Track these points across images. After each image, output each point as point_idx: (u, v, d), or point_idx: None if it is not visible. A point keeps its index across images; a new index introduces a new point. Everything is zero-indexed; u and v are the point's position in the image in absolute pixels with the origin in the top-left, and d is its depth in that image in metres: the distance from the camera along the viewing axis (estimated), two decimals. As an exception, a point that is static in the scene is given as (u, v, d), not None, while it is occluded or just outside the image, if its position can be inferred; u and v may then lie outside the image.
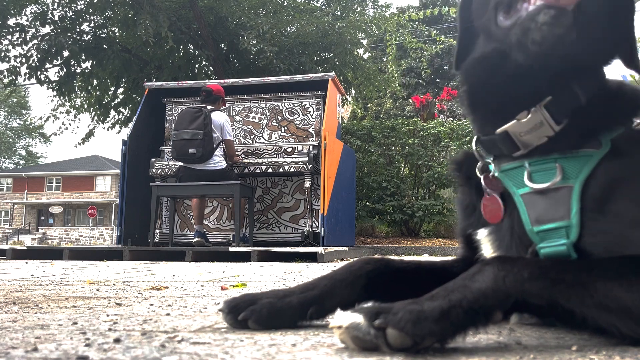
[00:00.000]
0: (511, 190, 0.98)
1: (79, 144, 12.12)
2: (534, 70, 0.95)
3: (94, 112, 12.09)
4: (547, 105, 0.96)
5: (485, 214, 1.03)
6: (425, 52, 11.90)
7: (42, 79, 10.93)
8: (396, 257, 1.15)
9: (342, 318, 0.80)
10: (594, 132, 0.95)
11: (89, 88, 11.61)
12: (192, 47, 11.34)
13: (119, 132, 12.25)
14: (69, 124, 12.29)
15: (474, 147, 1.09)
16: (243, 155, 6.12)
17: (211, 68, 11.04)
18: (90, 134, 12.03)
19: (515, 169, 0.99)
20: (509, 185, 0.99)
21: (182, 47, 11.25)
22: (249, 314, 0.99)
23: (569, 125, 0.96)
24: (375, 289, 1.03)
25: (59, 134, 12.20)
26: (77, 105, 12.29)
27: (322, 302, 1.01)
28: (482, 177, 1.04)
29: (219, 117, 5.62)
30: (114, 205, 39.02)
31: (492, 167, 1.04)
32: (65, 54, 10.57)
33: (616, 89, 1.00)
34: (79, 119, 12.50)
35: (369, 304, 0.95)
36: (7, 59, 10.49)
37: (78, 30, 10.66)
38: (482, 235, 1.04)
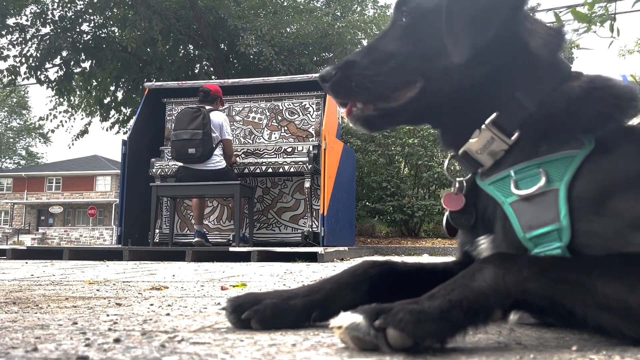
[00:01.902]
0: (500, 200, 0.99)
1: (75, 138, 12.10)
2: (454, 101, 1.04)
3: (90, 111, 12.10)
4: (495, 119, 1.00)
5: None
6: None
7: (42, 79, 10.93)
8: (398, 259, 1.15)
9: (342, 318, 0.80)
10: (565, 132, 0.96)
11: (89, 88, 11.61)
12: (192, 47, 11.34)
13: (118, 132, 12.26)
14: (66, 121, 12.29)
15: (445, 164, 1.15)
16: (243, 155, 6.12)
17: (211, 68, 11.05)
18: (85, 131, 12.02)
19: (502, 180, 1.00)
20: (498, 196, 0.99)
21: (182, 47, 11.24)
22: (252, 313, 0.99)
23: (524, 134, 0.99)
24: (379, 292, 1.03)
25: (55, 130, 12.21)
26: (75, 105, 12.29)
27: (325, 306, 1.01)
28: (442, 197, 1.09)
29: (217, 116, 5.62)
30: (114, 205, 39.01)
31: (466, 183, 1.08)
32: (65, 53, 10.57)
33: (587, 86, 1.00)
34: (74, 119, 12.51)
35: (370, 305, 0.95)
36: (6, 58, 10.48)
37: (78, 30, 10.66)
38: (480, 246, 1.04)
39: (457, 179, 1.09)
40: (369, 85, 1.05)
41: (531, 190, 0.94)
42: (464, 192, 1.07)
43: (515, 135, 0.99)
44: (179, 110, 6.02)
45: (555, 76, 1.02)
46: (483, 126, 1.01)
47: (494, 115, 1.00)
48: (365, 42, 12.14)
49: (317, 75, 5.61)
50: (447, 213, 1.09)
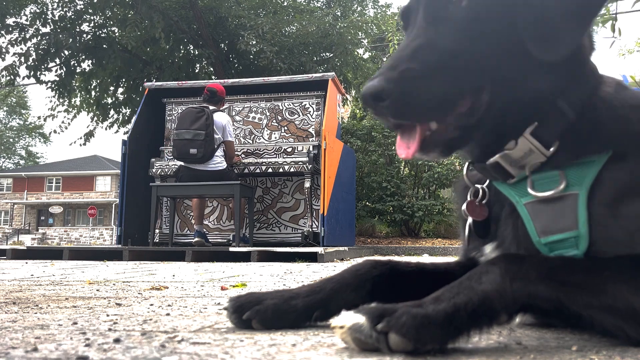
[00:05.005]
0: (514, 199, 0.95)
1: (82, 144, 12.07)
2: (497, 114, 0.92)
3: (92, 112, 12.08)
4: (534, 131, 0.92)
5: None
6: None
7: (41, 79, 10.92)
8: (400, 259, 1.15)
9: (344, 318, 0.80)
10: (592, 143, 0.91)
11: (89, 88, 11.60)
12: (192, 47, 11.34)
13: (117, 131, 12.25)
14: (69, 124, 12.28)
15: (464, 171, 1.07)
16: (243, 155, 6.12)
17: (211, 68, 11.05)
18: (90, 134, 12.00)
19: (517, 179, 0.96)
20: (512, 195, 0.95)
21: (182, 47, 11.25)
22: (254, 314, 0.99)
23: (563, 145, 0.92)
24: (381, 293, 1.03)
25: (58, 132, 12.19)
26: (75, 105, 12.27)
27: (327, 306, 1.01)
28: (465, 204, 1.02)
29: (221, 118, 5.61)
30: (114, 205, 39.01)
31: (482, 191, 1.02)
32: (65, 53, 10.57)
33: (613, 94, 0.95)
34: (77, 116, 12.45)
35: (372, 305, 0.94)
36: (5, 57, 10.47)
37: (78, 30, 10.66)
38: (488, 251, 1.01)
39: (478, 185, 1.03)
40: (440, 99, 0.86)
41: (549, 192, 0.90)
42: (485, 201, 1.01)
43: (554, 147, 0.91)
44: (182, 110, 6.03)
45: (592, 81, 0.96)
46: (521, 137, 0.92)
47: (533, 125, 0.92)
48: (365, 42, 12.14)
49: (317, 75, 5.44)
50: (469, 222, 1.03)
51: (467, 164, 1.07)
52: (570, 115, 0.92)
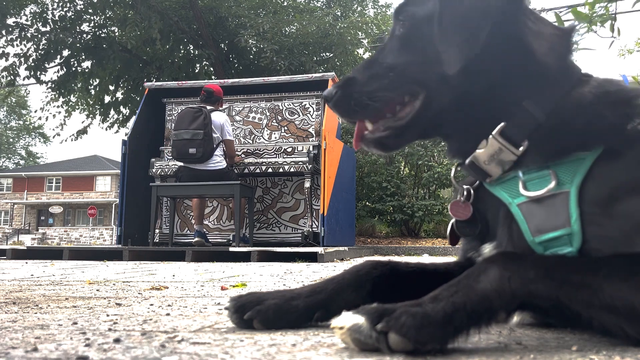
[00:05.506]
0: (506, 201, 0.96)
1: (74, 138, 12.06)
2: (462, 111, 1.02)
3: (91, 110, 12.08)
4: (503, 130, 0.97)
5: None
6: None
7: (42, 79, 10.92)
8: (400, 259, 1.15)
9: (344, 318, 0.80)
10: (562, 141, 0.93)
11: (89, 87, 11.60)
12: (192, 47, 11.35)
13: (117, 131, 12.25)
14: (66, 121, 12.28)
15: (452, 173, 1.12)
16: (243, 155, 6.12)
17: (211, 68, 11.06)
18: (83, 131, 11.99)
19: (509, 180, 0.97)
20: (504, 197, 0.97)
21: (182, 47, 11.25)
22: (255, 314, 0.99)
23: (533, 144, 0.95)
24: (381, 293, 1.03)
25: (59, 134, 12.17)
26: (72, 104, 12.27)
27: (328, 306, 1.01)
28: (449, 205, 1.07)
29: (219, 117, 5.62)
30: (114, 205, 39.00)
31: (466, 192, 1.06)
32: (65, 53, 10.57)
33: (587, 93, 0.96)
34: (72, 114, 12.46)
35: (372, 305, 0.94)
36: (6, 57, 10.48)
37: (78, 30, 10.67)
38: (485, 252, 1.02)
39: (464, 186, 1.06)
40: (369, 102, 1.03)
41: (541, 192, 0.92)
42: (471, 201, 1.05)
43: (523, 146, 0.96)
44: (180, 110, 6.03)
45: (565, 83, 0.98)
46: (490, 137, 0.98)
47: (501, 125, 0.97)
48: (365, 42, 12.15)
49: (317, 75, 5.74)
50: (452, 221, 1.07)
51: (455, 165, 1.10)
52: (538, 116, 0.96)
